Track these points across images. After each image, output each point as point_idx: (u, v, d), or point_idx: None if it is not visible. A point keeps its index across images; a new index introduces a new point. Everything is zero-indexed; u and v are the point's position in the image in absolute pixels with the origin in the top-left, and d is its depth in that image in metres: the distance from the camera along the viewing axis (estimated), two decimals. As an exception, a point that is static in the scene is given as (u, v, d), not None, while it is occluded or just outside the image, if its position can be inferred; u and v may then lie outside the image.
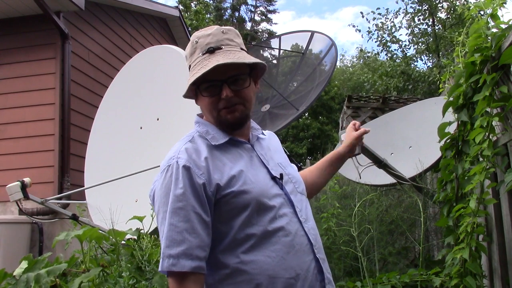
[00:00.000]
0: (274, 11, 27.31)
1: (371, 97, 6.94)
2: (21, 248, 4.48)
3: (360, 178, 2.96)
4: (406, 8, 11.91)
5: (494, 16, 1.98)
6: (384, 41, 12.26)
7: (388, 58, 12.77)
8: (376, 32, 12.29)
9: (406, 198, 3.54)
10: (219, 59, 1.24)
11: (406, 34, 12.69)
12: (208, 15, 21.82)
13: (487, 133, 1.92)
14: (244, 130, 1.36)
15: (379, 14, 12.24)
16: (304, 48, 5.25)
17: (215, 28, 1.32)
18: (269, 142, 1.46)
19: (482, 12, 2.08)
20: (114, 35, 6.41)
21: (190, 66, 1.32)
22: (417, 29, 11.96)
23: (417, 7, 11.71)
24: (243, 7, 26.70)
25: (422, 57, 12.76)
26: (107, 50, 6.19)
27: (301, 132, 20.28)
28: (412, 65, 12.49)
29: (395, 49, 12.45)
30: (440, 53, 11.57)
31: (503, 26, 1.95)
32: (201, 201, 1.19)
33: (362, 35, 42.33)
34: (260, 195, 1.23)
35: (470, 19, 2.10)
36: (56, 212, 4.01)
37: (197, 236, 1.16)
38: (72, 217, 3.35)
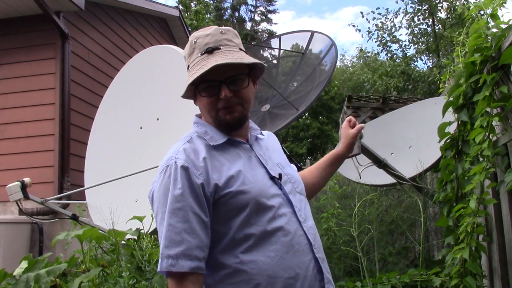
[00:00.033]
0: (274, 11, 27.31)
1: (371, 97, 6.93)
2: (21, 248, 4.48)
3: (360, 178, 2.96)
4: (406, 8, 11.92)
5: (494, 16, 1.98)
6: (384, 41, 12.27)
7: (388, 58, 12.77)
8: (376, 32, 12.31)
9: (406, 198, 3.54)
10: (217, 59, 1.24)
11: (406, 34, 12.68)
12: (208, 15, 21.82)
13: (487, 133, 1.92)
14: (242, 131, 1.36)
15: (379, 14, 12.26)
16: (304, 48, 5.25)
17: (213, 28, 1.32)
18: (268, 142, 1.46)
19: (482, 12, 2.08)
20: (114, 35, 6.41)
21: (188, 66, 1.32)
22: (417, 29, 11.97)
23: (417, 7, 11.70)
24: (243, 7, 26.72)
25: (422, 57, 12.77)
26: (107, 50, 6.19)
27: (301, 132, 20.28)
28: (412, 65, 12.49)
29: (395, 49, 12.47)
30: (440, 53, 11.57)
31: (503, 26, 1.95)
32: (199, 201, 1.19)
33: (362, 35, 42.39)
34: (258, 195, 1.23)
35: (470, 19, 2.10)
36: (56, 212, 4.01)
37: (196, 237, 1.16)
38: (72, 217, 3.35)
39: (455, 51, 2.25)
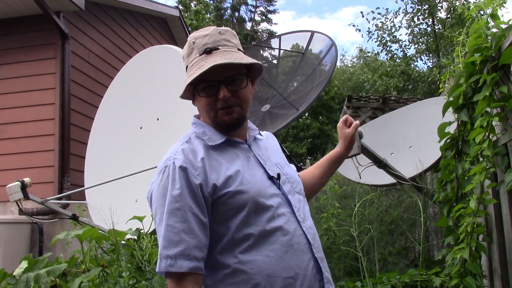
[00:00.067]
0: (274, 11, 27.32)
1: (371, 97, 6.94)
2: (21, 248, 4.48)
3: (360, 178, 2.96)
4: (406, 8, 11.92)
5: (494, 16, 1.98)
6: (384, 41, 12.26)
7: (388, 58, 12.77)
8: (376, 32, 12.30)
9: (406, 198, 3.54)
10: (216, 59, 1.24)
11: (406, 34, 12.68)
12: (208, 15, 21.82)
13: (487, 133, 1.92)
14: (241, 131, 1.36)
15: (379, 14, 12.25)
16: (304, 48, 5.25)
17: (212, 28, 1.32)
18: (267, 142, 1.46)
19: (482, 12, 2.08)
20: (114, 35, 6.41)
21: (187, 66, 1.32)
22: (417, 29, 11.97)
23: (417, 7, 11.70)
24: (243, 7, 26.72)
25: (422, 57, 12.77)
26: (107, 50, 6.19)
27: (301, 132, 20.28)
28: (412, 65, 12.49)
29: (395, 49, 12.47)
30: (440, 53, 11.57)
31: (503, 26, 1.95)
32: (198, 201, 1.19)
33: (362, 35, 42.36)
34: (257, 195, 1.24)
35: (470, 19, 2.10)
36: (56, 212, 4.01)
37: (194, 237, 1.16)
38: (72, 217, 3.35)
39: (455, 51, 2.25)
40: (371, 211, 3.14)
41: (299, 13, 53.11)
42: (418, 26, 11.98)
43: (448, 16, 11.74)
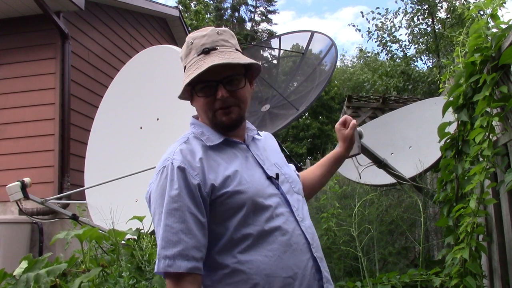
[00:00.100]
0: (274, 12, 27.33)
1: (371, 97, 6.94)
2: (21, 248, 4.48)
3: (360, 178, 2.96)
4: (406, 8, 11.92)
5: (494, 16, 1.98)
6: (384, 41, 12.26)
7: (388, 58, 12.77)
8: (376, 32, 12.30)
9: (406, 198, 3.54)
10: (214, 59, 1.24)
11: (406, 34, 12.66)
12: (208, 15, 21.81)
13: (487, 133, 1.92)
14: (239, 131, 1.36)
15: (379, 14, 12.25)
16: (304, 48, 5.25)
17: (210, 29, 1.32)
18: (265, 142, 1.46)
19: (482, 12, 2.08)
20: (114, 35, 6.41)
21: (185, 67, 1.33)
22: (416, 29, 11.96)
23: (417, 7, 11.70)
24: (243, 7, 26.73)
25: (422, 57, 12.77)
26: (107, 50, 6.19)
27: (301, 132, 20.28)
28: (412, 65, 12.49)
29: (395, 49, 12.47)
30: (440, 53, 11.57)
31: (503, 26, 1.95)
32: (196, 201, 1.19)
33: (362, 35, 42.36)
34: (255, 194, 1.24)
35: (470, 19, 2.10)
36: (56, 212, 4.01)
37: (193, 237, 1.16)
38: (72, 217, 3.35)
39: (455, 51, 2.25)
40: (371, 211, 3.14)
41: (299, 13, 53.14)
42: (418, 26, 11.99)
43: (448, 16, 11.74)
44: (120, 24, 6.60)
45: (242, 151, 1.34)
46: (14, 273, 2.26)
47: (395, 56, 12.54)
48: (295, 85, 5.37)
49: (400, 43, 12.31)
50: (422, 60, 13.05)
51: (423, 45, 11.97)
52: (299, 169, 1.64)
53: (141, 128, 3.82)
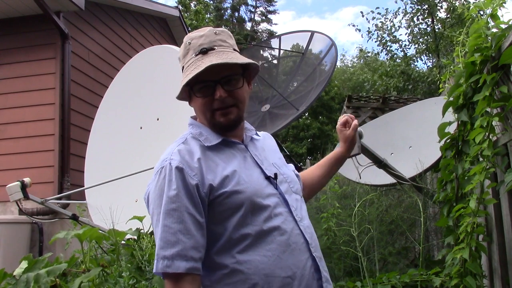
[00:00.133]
0: (274, 12, 27.33)
1: (371, 97, 6.94)
2: (21, 248, 4.48)
3: (360, 178, 2.96)
4: (405, 8, 11.92)
5: (494, 16, 1.98)
6: (384, 41, 12.26)
7: (388, 58, 12.76)
8: (376, 32, 12.30)
9: (406, 198, 3.54)
10: (212, 59, 1.24)
11: (406, 34, 12.65)
12: (208, 15, 21.81)
13: (487, 133, 1.92)
14: (237, 131, 1.36)
15: (379, 13, 12.25)
16: (304, 48, 5.25)
17: (207, 29, 1.32)
18: (264, 142, 1.46)
19: (482, 12, 2.08)
20: (114, 35, 6.41)
21: (183, 67, 1.33)
22: (416, 29, 11.96)
23: (416, 7, 11.70)
24: (243, 7, 26.72)
25: (422, 57, 12.76)
26: (107, 50, 6.19)
27: (301, 132, 20.29)
28: (412, 65, 12.48)
29: (395, 49, 12.46)
30: (440, 53, 11.56)
31: (503, 26, 1.95)
32: (194, 202, 1.19)
33: (362, 35, 42.33)
34: (253, 194, 1.24)
35: (470, 19, 2.10)
36: (56, 212, 4.01)
37: (191, 237, 1.16)
38: (72, 217, 3.35)
39: (455, 51, 2.25)
40: (371, 211, 3.13)
41: (299, 13, 53.14)
42: (418, 26, 11.98)
43: (448, 16, 11.74)
44: (120, 24, 6.60)
45: (241, 151, 1.34)
46: (14, 273, 2.26)
47: (395, 56, 12.54)
48: (295, 85, 5.37)
49: (400, 43, 12.31)
50: (422, 60, 13.05)
51: (423, 45, 11.96)
52: (299, 169, 1.64)
53: (141, 128, 3.82)
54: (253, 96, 5.12)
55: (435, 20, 11.97)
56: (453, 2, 11.23)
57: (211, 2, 24.42)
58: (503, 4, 1.94)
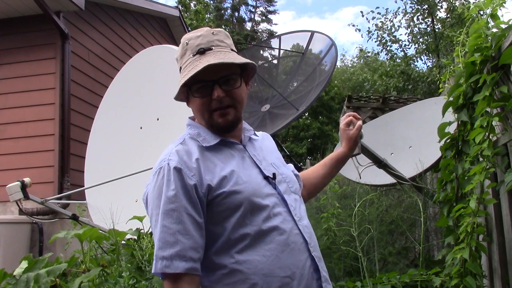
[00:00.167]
0: (274, 12, 27.30)
1: (371, 97, 6.92)
2: (21, 248, 4.48)
3: (360, 178, 2.96)
4: (405, 8, 11.92)
5: (494, 16, 1.98)
6: (384, 41, 12.26)
7: (388, 58, 12.76)
8: (376, 32, 12.30)
9: (406, 198, 3.54)
10: (210, 59, 1.24)
11: (406, 34, 12.66)
12: (208, 15, 21.81)
13: (487, 133, 1.92)
14: (236, 131, 1.36)
15: (379, 13, 12.25)
16: (304, 48, 5.26)
17: (205, 29, 1.33)
18: (262, 142, 1.46)
19: (482, 12, 2.08)
20: (114, 35, 6.41)
21: (181, 68, 1.32)
22: (416, 29, 11.96)
23: (416, 7, 11.69)
24: (243, 7, 26.71)
25: (422, 57, 12.76)
26: (107, 50, 6.19)
27: (301, 132, 20.28)
28: (412, 65, 12.49)
29: (395, 49, 12.46)
30: (440, 53, 11.56)
31: (503, 26, 1.95)
32: (193, 202, 1.19)
33: (362, 35, 42.35)
34: (252, 194, 1.24)
35: (470, 19, 2.10)
36: (56, 212, 4.01)
37: (190, 238, 1.16)
38: (72, 217, 3.35)
39: (455, 51, 2.25)
40: (371, 211, 3.13)
41: (299, 13, 53.14)
42: (417, 26, 11.98)
43: (448, 16, 11.73)
44: (120, 24, 6.60)
45: (239, 152, 1.34)
46: (14, 273, 2.26)
47: (395, 56, 12.54)
48: (295, 85, 5.38)
49: (400, 43, 12.31)
50: (422, 60, 13.05)
51: (423, 45, 11.96)
52: (299, 169, 1.64)
53: (141, 128, 3.82)
54: (253, 96, 5.12)
55: (435, 20, 11.97)
56: (453, 2, 11.23)
57: (211, 2, 24.41)
58: (503, 4, 1.94)
